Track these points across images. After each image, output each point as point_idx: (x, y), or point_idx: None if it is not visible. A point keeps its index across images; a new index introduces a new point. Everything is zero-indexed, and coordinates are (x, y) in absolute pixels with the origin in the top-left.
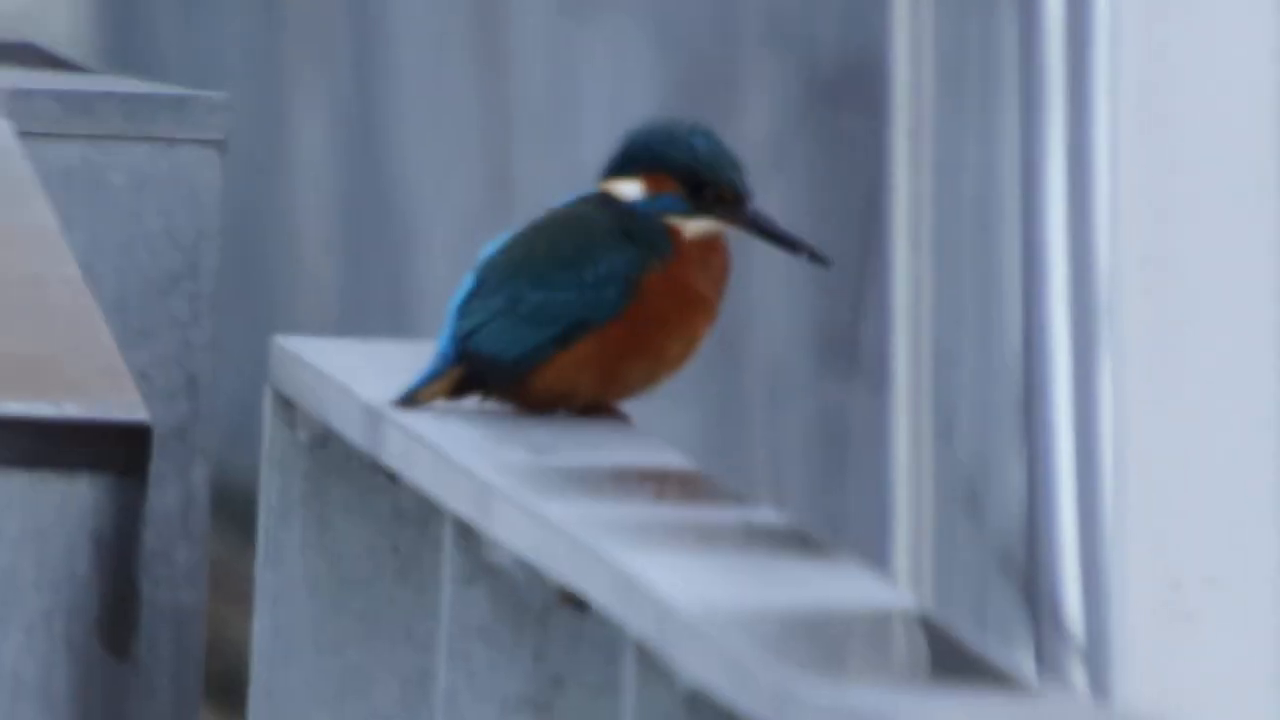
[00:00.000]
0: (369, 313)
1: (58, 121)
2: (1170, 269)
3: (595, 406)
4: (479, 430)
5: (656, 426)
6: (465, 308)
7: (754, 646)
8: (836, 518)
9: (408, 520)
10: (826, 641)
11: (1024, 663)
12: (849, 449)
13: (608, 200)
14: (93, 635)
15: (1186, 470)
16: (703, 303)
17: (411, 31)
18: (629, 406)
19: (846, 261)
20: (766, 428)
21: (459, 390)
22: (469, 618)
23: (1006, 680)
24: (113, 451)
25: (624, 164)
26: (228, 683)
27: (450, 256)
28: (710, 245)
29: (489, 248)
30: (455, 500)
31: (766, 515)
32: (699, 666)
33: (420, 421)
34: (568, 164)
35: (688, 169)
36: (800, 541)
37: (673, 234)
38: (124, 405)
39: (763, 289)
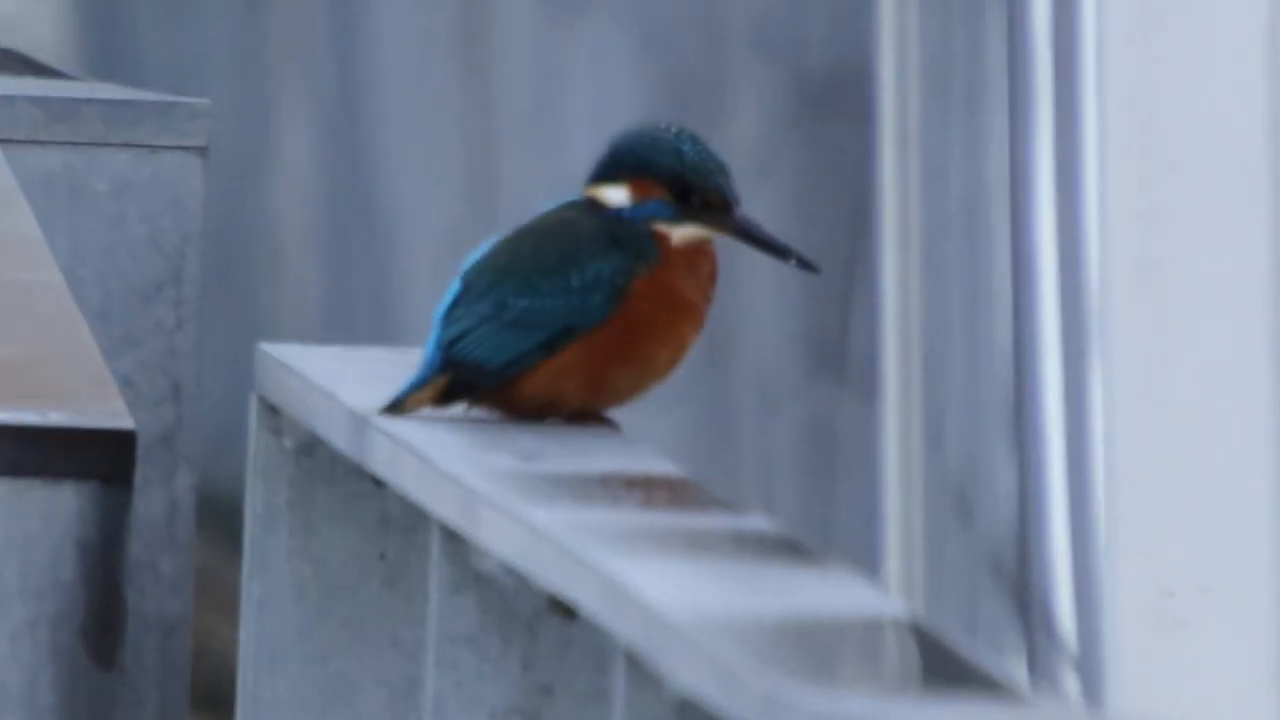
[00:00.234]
0: (354, 319)
1: (40, 128)
2: (1161, 273)
3: (583, 413)
4: (466, 437)
5: (645, 433)
6: (450, 314)
7: (744, 654)
8: (826, 524)
9: (394, 527)
10: (817, 649)
11: (1016, 670)
12: (838, 455)
13: (594, 206)
14: (78, 644)
15: (1180, 476)
16: (690, 309)
17: (395, 36)
18: (617, 413)
19: (835, 267)
20: (755, 434)
21: (445, 397)
22: (457, 625)
23: (998, 688)
24: (97, 459)
25: (610, 169)
26: (214, 692)
27: (435, 262)
28: (698, 251)
29: (474, 254)
30: (442, 507)
31: (756, 522)
32: (689, 674)
33: (406, 428)
34: (553, 169)
35: (674, 174)
36: (790, 548)
37: (660, 240)
38: (108, 412)
39: (751, 295)
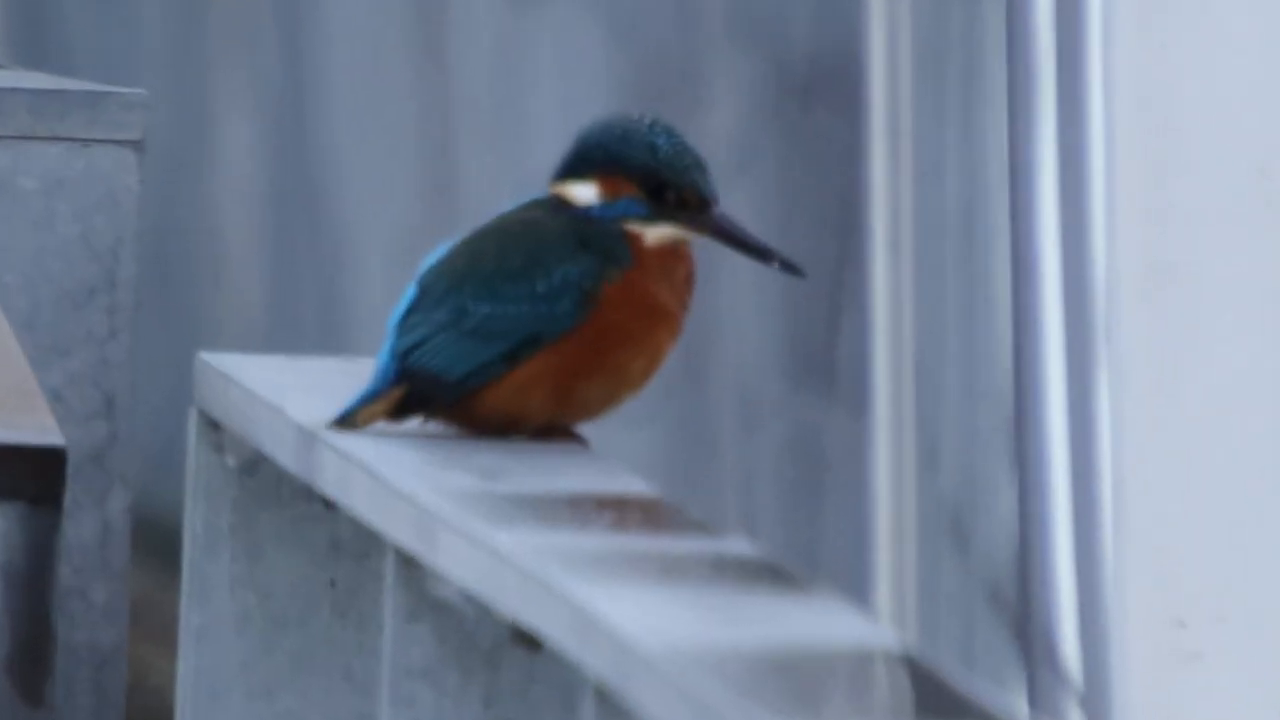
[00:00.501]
0: (301, 327)
1: None
2: (1173, 278)
3: (549, 429)
4: (422, 454)
5: (616, 450)
6: (406, 322)
7: (722, 688)
8: (811, 548)
9: (345, 552)
10: (801, 683)
11: (1016, 706)
12: (825, 474)
13: (560, 205)
14: (3, 679)
15: (1193, 498)
16: (665, 316)
17: (345, 23)
18: (586, 428)
19: (821, 271)
20: (735, 451)
21: (400, 411)
22: (412, 657)
23: None
24: (24, 478)
25: (577, 165)
26: None
27: (389, 266)
28: (673, 253)
29: (431, 257)
30: (397, 530)
31: (736, 546)
32: (662, 710)
33: (358, 445)
34: (516, 165)
35: (648, 170)
36: (772, 574)
37: (632, 241)
38: (36, 428)
39: (730, 301)
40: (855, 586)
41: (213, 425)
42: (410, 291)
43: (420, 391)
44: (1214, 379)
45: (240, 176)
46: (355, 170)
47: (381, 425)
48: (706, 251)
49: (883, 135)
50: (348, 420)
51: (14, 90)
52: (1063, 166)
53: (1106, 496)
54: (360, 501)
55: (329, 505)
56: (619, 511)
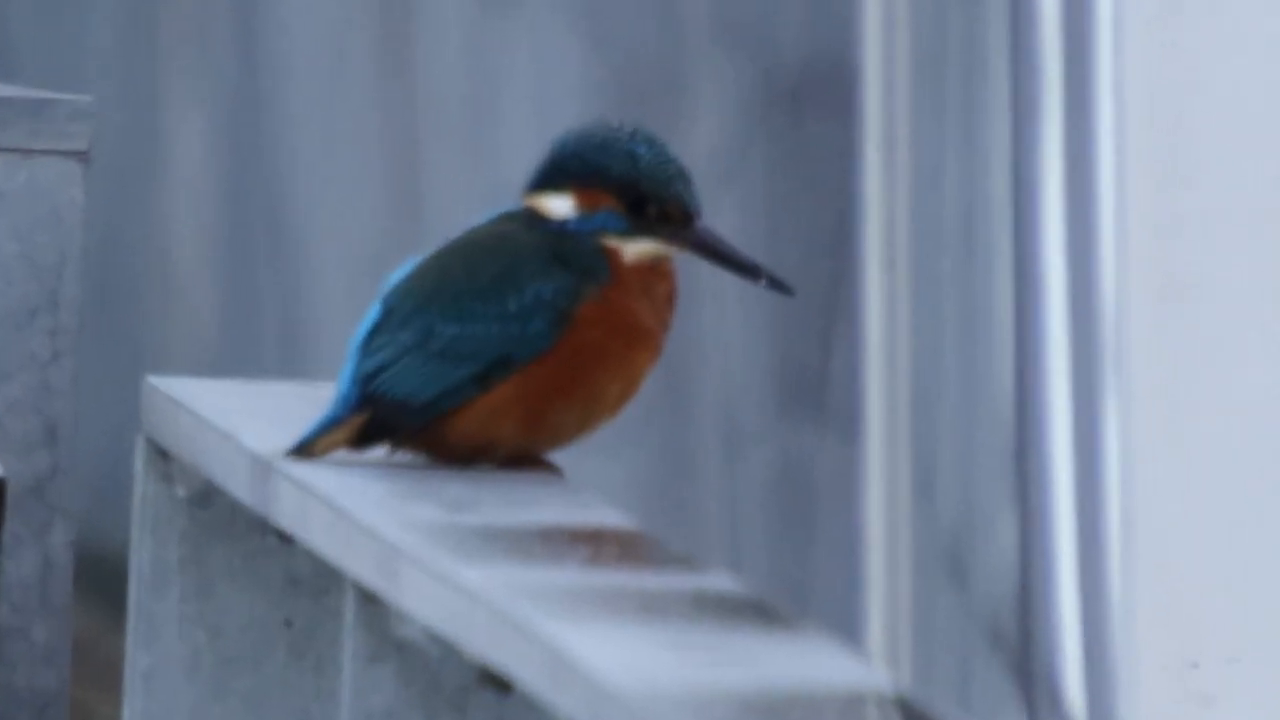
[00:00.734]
0: (257, 349)
1: None
2: (1186, 294)
3: (521, 457)
4: (385, 484)
5: (592, 479)
6: (369, 343)
7: None
8: (800, 584)
9: (303, 589)
10: None
11: None
12: (814, 504)
13: (534, 218)
14: None
15: (1206, 530)
16: (645, 336)
17: (304, 24)
18: (560, 456)
19: (811, 289)
20: (719, 480)
21: (362, 439)
22: (374, 702)
23: None
24: None
25: (553, 176)
26: None
27: (351, 284)
28: (654, 270)
29: (397, 274)
30: (358, 565)
31: (719, 581)
32: None
33: (317, 475)
34: (487, 177)
35: (627, 182)
36: (758, 611)
37: (610, 257)
38: None
39: (715, 320)
40: (846, 624)
41: (161, 454)
42: (374, 311)
43: (384, 418)
44: (1230, 403)
45: (192, 189)
46: (315, 182)
47: (342, 454)
48: (689, 267)
49: (877, 143)
50: (306, 449)
51: None
52: (1069, 175)
53: (1114, 528)
54: (319, 535)
55: (285, 539)
56: (595, 545)
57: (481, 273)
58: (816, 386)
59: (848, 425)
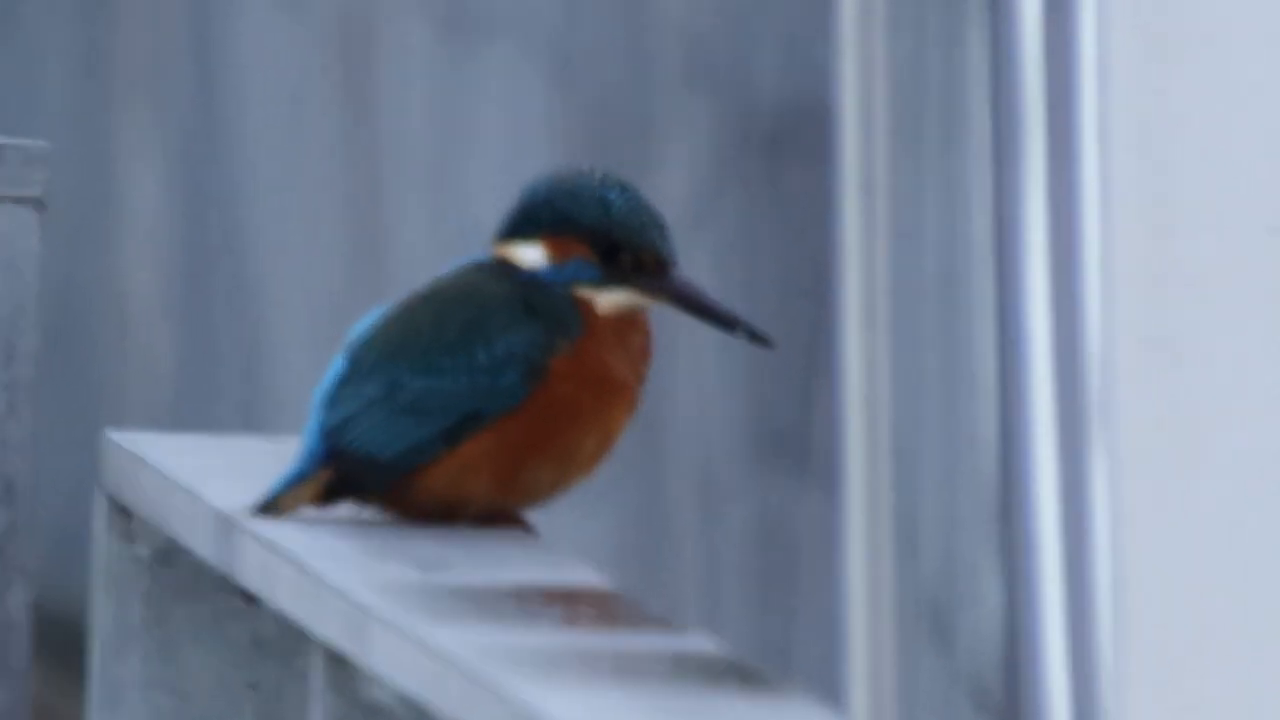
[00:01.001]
0: (219, 402)
1: None
2: (1176, 349)
3: (492, 514)
4: (353, 543)
5: (566, 537)
6: (334, 397)
7: None
8: (781, 645)
9: (269, 651)
10: None
11: None
12: (795, 563)
13: (504, 268)
14: None
15: (1199, 593)
16: (620, 389)
17: (262, 67)
18: (533, 514)
19: (790, 341)
20: (697, 538)
21: (329, 496)
22: None
23: None
24: None
25: (523, 224)
26: None
27: (314, 335)
28: (628, 321)
29: (361, 324)
30: (326, 627)
31: (697, 643)
32: None
33: (283, 533)
34: (452, 224)
35: (600, 230)
36: (738, 673)
37: (583, 308)
38: None
39: (691, 373)
40: (828, 686)
41: (122, 511)
42: (338, 363)
43: (350, 474)
44: (1222, 461)
45: (150, 236)
46: (275, 229)
47: (308, 511)
48: (665, 319)
49: (855, 190)
50: (271, 506)
51: None
52: (1053, 225)
53: (1104, 589)
54: (285, 595)
55: (250, 599)
56: (570, 605)
57: (449, 324)
58: (795, 442)
59: (828, 482)
